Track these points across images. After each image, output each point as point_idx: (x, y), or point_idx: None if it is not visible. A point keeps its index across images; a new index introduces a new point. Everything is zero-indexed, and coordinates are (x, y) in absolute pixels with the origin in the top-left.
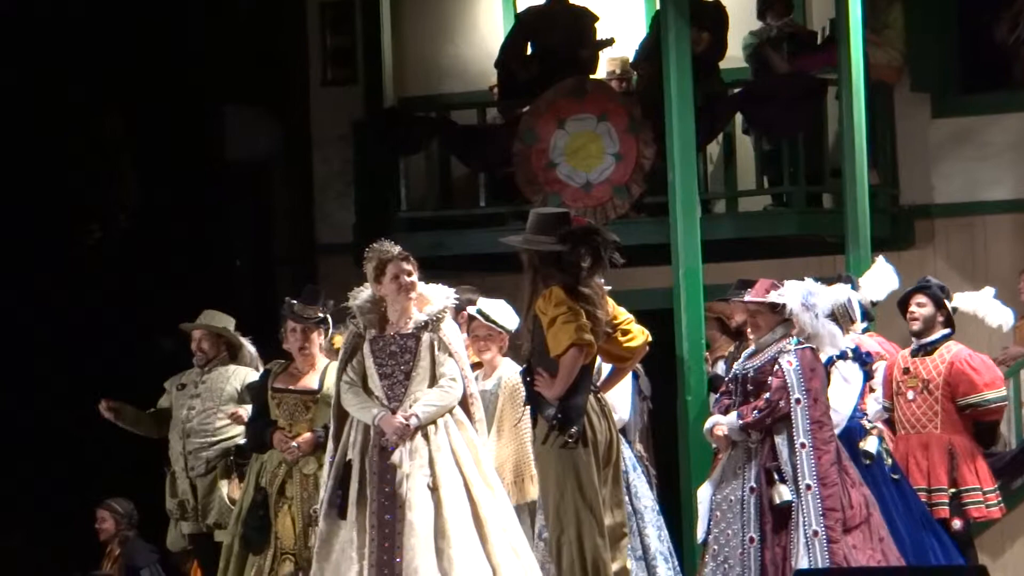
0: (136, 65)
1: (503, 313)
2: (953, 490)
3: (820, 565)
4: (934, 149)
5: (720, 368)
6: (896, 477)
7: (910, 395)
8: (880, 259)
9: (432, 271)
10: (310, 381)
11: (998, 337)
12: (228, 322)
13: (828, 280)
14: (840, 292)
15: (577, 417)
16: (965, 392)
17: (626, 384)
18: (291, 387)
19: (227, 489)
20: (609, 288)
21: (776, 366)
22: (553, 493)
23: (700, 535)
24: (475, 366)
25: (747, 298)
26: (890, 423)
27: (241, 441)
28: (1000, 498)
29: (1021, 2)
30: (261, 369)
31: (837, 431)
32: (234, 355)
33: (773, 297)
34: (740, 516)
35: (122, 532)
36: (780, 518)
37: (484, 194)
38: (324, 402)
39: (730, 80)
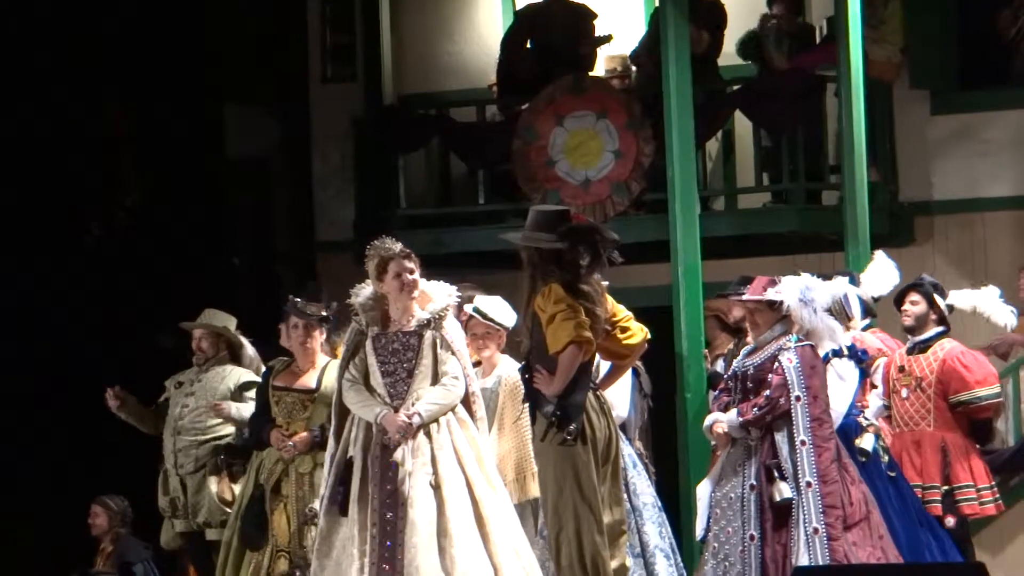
0: (137, 63)
1: (500, 310)
2: (946, 487)
3: (820, 562)
4: (933, 146)
5: (719, 366)
6: (892, 474)
7: (904, 393)
8: (880, 254)
9: (431, 268)
10: (309, 380)
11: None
12: (229, 321)
13: (828, 277)
14: (837, 286)
15: (576, 414)
16: (957, 389)
17: (625, 382)
18: (290, 386)
19: (216, 488)
20: (608, 285)
21: (776, 363)
22: (552, 490)
23: (699, 532)
24: (474, 364)
25: (745, 297)
26: (890, 420)
27: (232, 440)
28: (996, 495)
29: None
30: (262, 368)
31: None
32: (235, 355)
33: (771, 295)
34: (740, 513)
35: (115, 529)
36: (780, 515)
37: (483, 191)
38: (321, 401)
39: (729, 77)
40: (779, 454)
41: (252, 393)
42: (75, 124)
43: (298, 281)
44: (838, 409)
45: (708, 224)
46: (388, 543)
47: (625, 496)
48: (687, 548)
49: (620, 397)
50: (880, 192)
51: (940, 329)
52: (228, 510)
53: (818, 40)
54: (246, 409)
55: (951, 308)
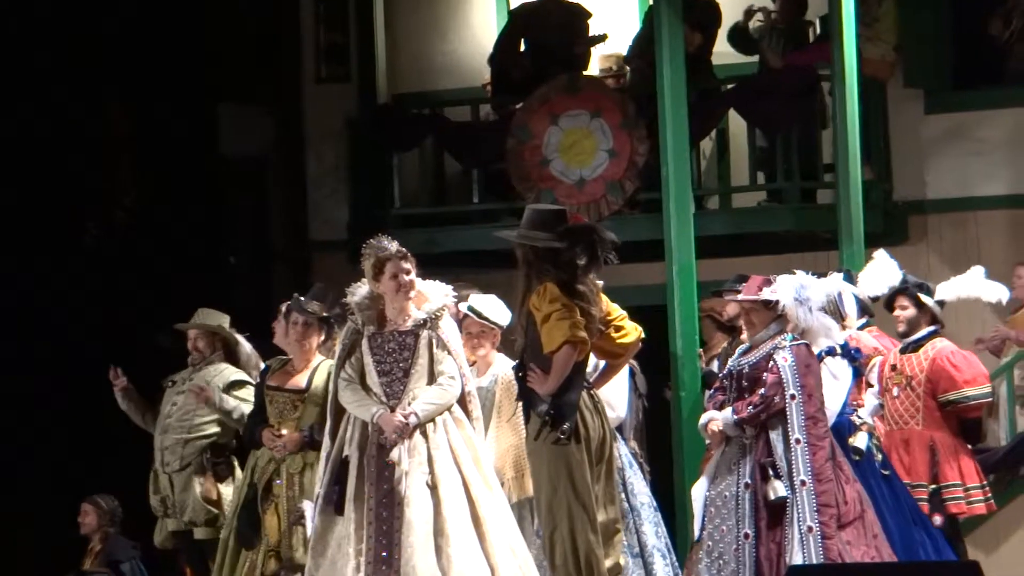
0: (133, 63)
1: (496, 309)
2: (933, 486)
3: (814, 561)
4: (927, 145)
5: (714, 365)
6: (886, 473)
7: (895, 392)
8: (881, 253)
9: (426, 268)
10: (300, 380)
11: (993, 323)
12: (222, 319)
13: (823, 275)
14: (832, 285)
15: (570, 414)
16: (945, 389)
17: (623, 382)
18: (281, 385)
19: (200, 487)
20: (602, 284)
21: (771, 362)
22: (546, 489)
23: (698, 532)
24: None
25: (740, 296)
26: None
27: (217, 439)
28: (988, 495)
29: None
30: (260, 364)
31: None
32: (231, 353)
33: (766, 294)
34: (735, 512)
35: (104, 528)
36: (775, 514)
37: (477, 191)
38: (311, 401)
39: (723, 76)
40: (774, 453)
41: (241, 392)
42: (73, 124)
43: (293, 280)
44: (832, 408)
45: (702, 223)
46: (384, 542)
47: (623, 496)
48: (682, 547)
49: (618, 397)
50: (874, 191)
51: (931, 328)
52: (212, 509)
53: (812, 38)
54: (230, 403)
55: (942, 304)
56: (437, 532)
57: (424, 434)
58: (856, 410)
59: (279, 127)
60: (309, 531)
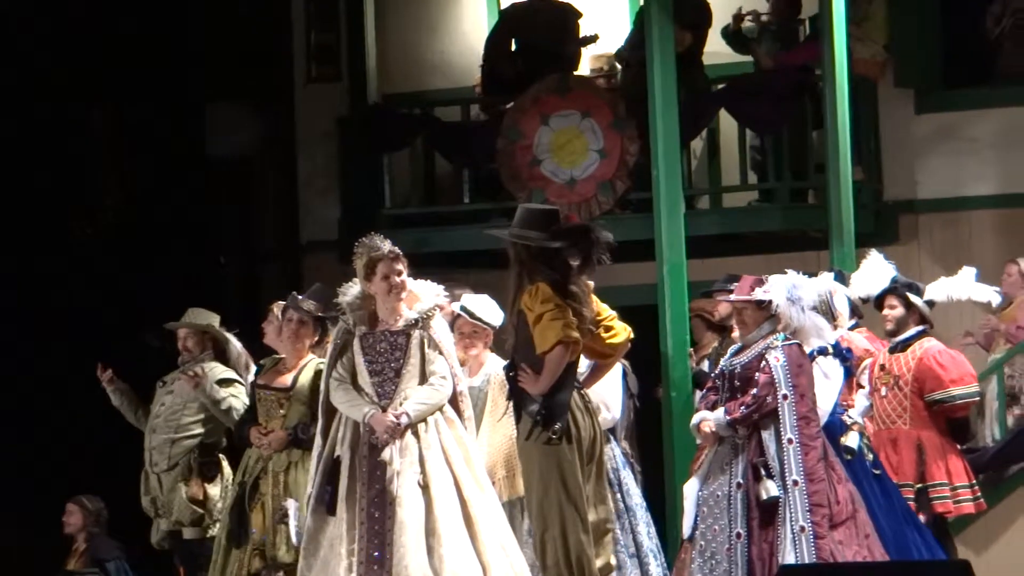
0: (122, 63)
1: (488, 309)
2: (920, 485)
3: (806, 561)
4: (918, 144)
5: (705, 365)
6: (877, 472)
7: (883, 391)
8: (874, 254)
9: (416, 268)
10: (287, 378)
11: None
12: (212, 319)
13: (813, 275)
14: (824, 284)
15: (561, 414)
16: (932, 388)
17: (617, 383)
18: (269, 384)
19: (186, 488)
20: (593, 285)
21: (763, 362)
22: (537, 490)
23: (686, 531)
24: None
25: (732, 297)
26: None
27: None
28: (976, 494)
29: None
30: (250, 364)
31: None
32: (221, 352)
33: (759, 294)
34: (727, 512)
35: (88, 528)
36: (767, 514)
37: (468, 191)
38: (297, 399)
39: (714, 76)
40: (766, 452)
41: (229, 390)
42: (61, 125)
43: (284, 281)
44: (823, 407)
45: (693, 223)
46: (376, 542)
47: (618, 496)
48: (673, 547)
49: (612, 398)
50: (865, 190)
51: (919, 328)
52: (198, 510)
53: (802, 38)
54: (220, 393)
55: (931, 304)
56: (429, 532)
57: (416, 434)
58: (846, 410)
59: (269, 127)
60: (292, 530)
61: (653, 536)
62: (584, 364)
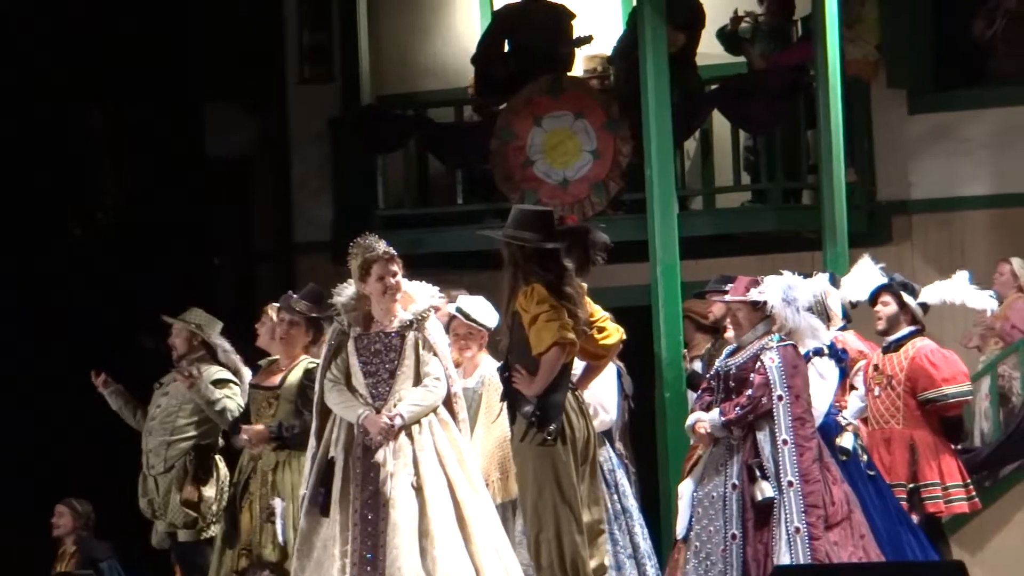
0: (115, 63)
1: (483, 311)
2: (911, 485)
3: (802, 561)
4: (911, 145)
5: (698, 366)
6: (872, 473)
7: (876, 391)
8: (865, 258)
9: (410, 269)
10: (277, 378)
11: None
12: (214, 324)
13: (807, 276)
14: (819, 285)
15: (555, 415)
16: (924, 387)
17: (613, 385)
18: (260, 384)
19: (177, 492)
20: (586, 287)
21: (758, 363)
22: (532, 491)
23: (680, 531)
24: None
25: (727, 297)
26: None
27: (199, 441)
28: (970, 494)
29: None
30: (239, 367)
31: None
32: (214, 354)
33: (754, 295)
34: (722, 513)
35: (78, 531)
36: (762, 515)
37: (461, 192)
38: (284, 398)
39: (708, 76)
40: (761, 453)
41: (224, 391)
42: (57, 125)
43: (277, 281)
44: (819, 408)
45: (686, 224)
46: (370, 544)
47: (615, 497)
48: (667, 548)
49: (609, 401)
50: (858, 191)
51: (912, 328)
52: (191, 512)
53: (795, 39)
54: (215, 393)
55: (926, 307)
56: (422, 534)
57: (409, 436)
58: (840, 411)
59: (263, 128)
60: (278, 528)
61: (646, 537)
62: (576, 365)
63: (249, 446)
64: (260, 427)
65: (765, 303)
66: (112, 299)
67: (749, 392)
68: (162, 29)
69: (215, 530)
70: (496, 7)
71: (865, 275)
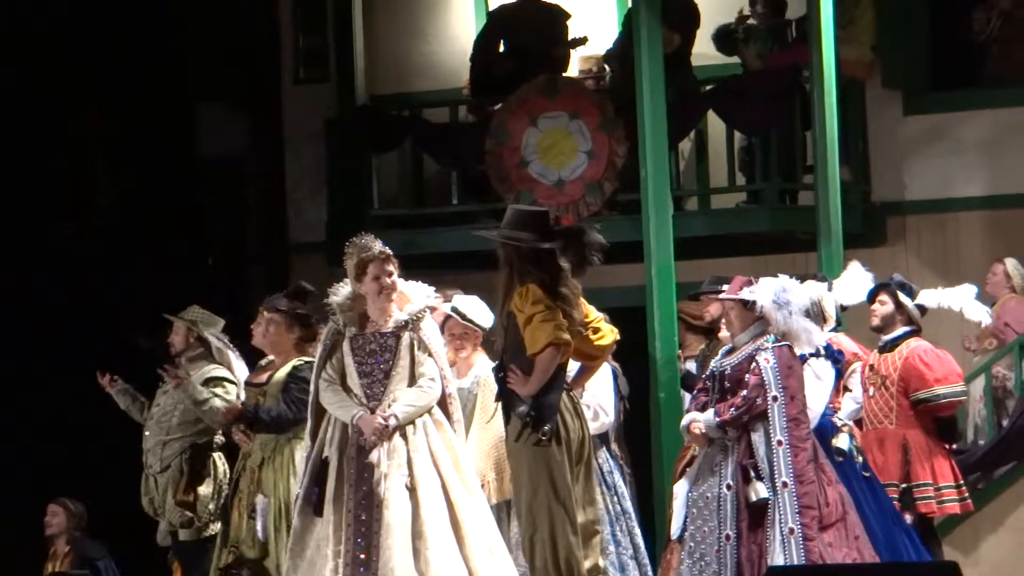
0: (109, 64)
1: (478, 311)
2: (904, 485)
3: (796, 562)
4: (906, 146)
5: (691, 366)
6: (867, 474)
7: (871, 391)
8: (855, 263)
9: (405, 269)
10: (266, 375)
11: (970, 332)
12: (214, 322)
13: (802, 278)
14: (815, 289)
15: (550, 415)
16: (916, 387)
17: (610, 387)
18: (251, 381)
19: (174, 489)
20: (580, 286)
21: (753, 364)
22: (526, 491)
23: (675, 531)
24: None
25: (722, 296)
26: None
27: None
28: (963, 495)
29: None
30: (235, 363)
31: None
32: (211, 351)
33: (744, 294)
34: (717, 513)
35: (71, 531)
36: (756, 515)
37: (456, 192)
38: (271, 394)
39: (703, 77)
40: (756, 454)
41: (216, 389)
42: (49, 125)
43: (271, 282)
44: (815, 409)
45: (681, 224)
46: (363, 544)
47: (615, 499)
48: (661, 549)
49: (607, 403)
50: (853, 192)
51: (907, 328)
52: (187, 512)
53: (790, 40)
54: (202, 394)
55: (923, 308)
56: (416, 534)
57: (404, 436)
58: (834, 413)
59: (257, 128)
60: (259, 525)
61: (640, 537)
62: (571, 366)
63: (241, 442)
64: (235, 404)
65: (755, 303)
66: (104, 300)
67: (744, 393)
68: (157, 30)
69: (215, 528)
70: (491, 7)
71: (856, 279)
